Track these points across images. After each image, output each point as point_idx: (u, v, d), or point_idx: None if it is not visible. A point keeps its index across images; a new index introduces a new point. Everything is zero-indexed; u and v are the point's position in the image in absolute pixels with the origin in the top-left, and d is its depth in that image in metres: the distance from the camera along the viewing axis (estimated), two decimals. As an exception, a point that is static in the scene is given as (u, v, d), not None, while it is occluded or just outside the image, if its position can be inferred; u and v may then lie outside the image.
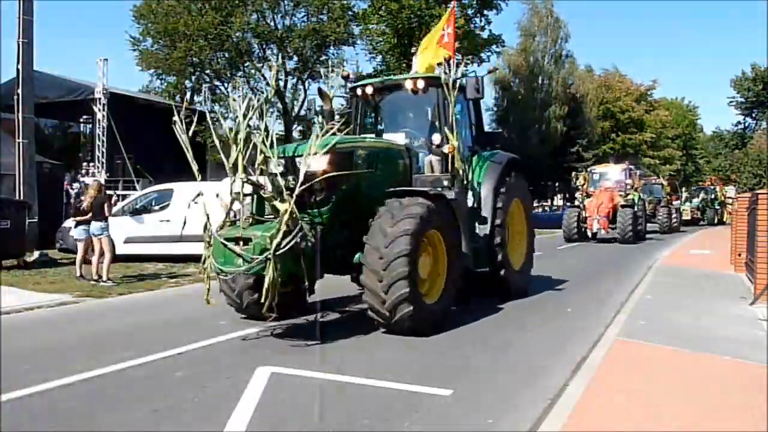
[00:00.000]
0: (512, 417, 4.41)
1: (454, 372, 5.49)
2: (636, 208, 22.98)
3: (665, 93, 63.89)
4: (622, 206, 22.36)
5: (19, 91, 14.25)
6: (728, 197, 46.38)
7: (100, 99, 22.81)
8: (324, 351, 6.18)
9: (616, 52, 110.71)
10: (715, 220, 38.94)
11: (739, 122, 67.75)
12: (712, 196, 40.39)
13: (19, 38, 14.17)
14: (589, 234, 22.30)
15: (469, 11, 31.87)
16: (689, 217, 37.03)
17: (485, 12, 31.93)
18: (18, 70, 14.38)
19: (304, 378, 5.19)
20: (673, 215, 30.17)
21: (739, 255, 12.42)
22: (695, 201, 39.23)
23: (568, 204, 28.30)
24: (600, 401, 4.62)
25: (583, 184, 24.56)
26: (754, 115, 65.66)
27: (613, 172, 25.29)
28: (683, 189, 39.85)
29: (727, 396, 4.81)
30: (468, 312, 8.19)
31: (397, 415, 4.40)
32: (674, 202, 32.94)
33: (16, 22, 14.18)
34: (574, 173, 25.87)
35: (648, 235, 25.28)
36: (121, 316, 8.17)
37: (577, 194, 25.04)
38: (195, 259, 13.34)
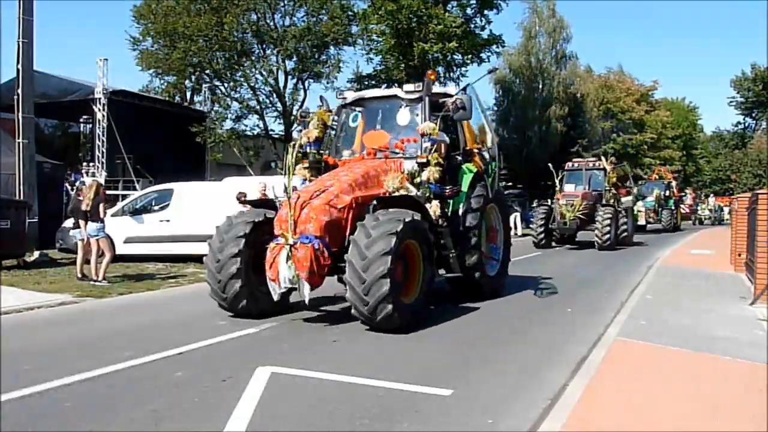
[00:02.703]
0: (512, 417, 4.41)
1: (454, 372, 5.49)
2: (445, 214, 8.53)
3: (666, 93, 63.96)
4: (384, 201, 7.71)
5: (19, 91, 14.26)
6: (684, 199, 39.69)
7: (100, 99, 22.82)
8: (324, 351, 6.18)
9: (616, 53, 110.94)
10: (672, 225, 31.14)
11: (739, 122, 67.92)
12: (666, 193, 32.32)
13: (19, 38, 14.18)
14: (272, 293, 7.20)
15: (469, 11, 31.89)
16: (643, 221, 29.47)
17: (485, 12, 31.92)
18: (18, 70, 14.39)
19: (304, 378, 5.19)
20: (622, 220, 20.16)
21: (739, 255, 12.42)
22: (649, 200, 30.93)
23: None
24: (600, 401, 4.62)
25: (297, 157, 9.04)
26: (754, 115, 65.73)
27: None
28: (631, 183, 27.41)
29: (727, 396, 4.81)
30: (468, 312, 8.20)
31: (397, 415, 4.40)
32: (623, 199, 21.82)
33: (16, 22, 14.20)
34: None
35: (549, 248, 18.43)
36: (121, 316, 8.17)
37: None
38: (195, 259, 13.49)
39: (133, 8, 32.76)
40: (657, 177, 35.77)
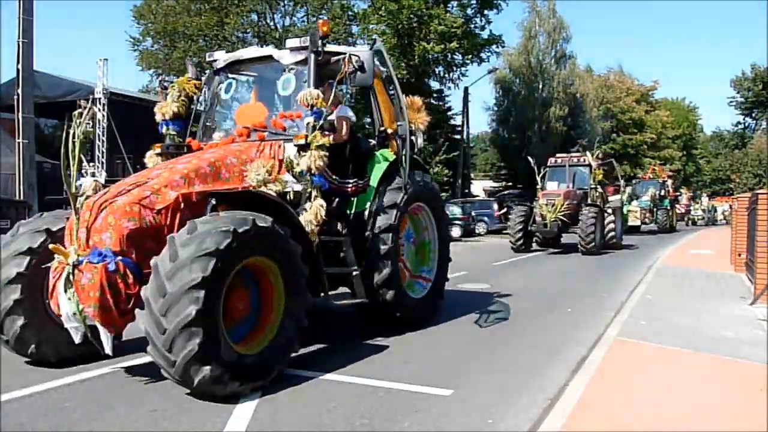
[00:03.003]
0: (512, 417, 4.41)
1: (454, 372, 5.48)
2: (345, 217, 6.68)
3: (666, 93, 64.02)
4: None
5: (19, 91, 14.28)
6: (680, 198, 38.79)
7: (100, 99, 22.82)
8: (324, 351, 6.18)
9: (616, 53, 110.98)
10: (667, 225, 29.78)
11: (739, 122, 68.13)
12: (662, 193, 30.79)
13: (19, 38, 14.19)
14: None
15: (469, 11, 31.93)
16: (637, 222, 28.48)
17: (485, 12, 31.97)
18: (18, 70, 14.41)
19: (304, 378, 5.19)
20: (608, 220, 18.19)
21: (739, 255, 12.41)
22: (644, 200, 29.67)
23: None
24: (600, 401, 4.62)
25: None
26: (754, 115, 65.92)
27: None
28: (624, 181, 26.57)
29: (727, 396, 4.81)
30: (467, 313, 8.19)
31: (397, 415, 4.40)
32: (611, 198, 20.36)
33: (16, 22, 14.23)
34: None
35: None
36: (121, 316, 8.14)
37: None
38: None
39: (133, 8, 32.85)
40: (651, 175, 34.13)
